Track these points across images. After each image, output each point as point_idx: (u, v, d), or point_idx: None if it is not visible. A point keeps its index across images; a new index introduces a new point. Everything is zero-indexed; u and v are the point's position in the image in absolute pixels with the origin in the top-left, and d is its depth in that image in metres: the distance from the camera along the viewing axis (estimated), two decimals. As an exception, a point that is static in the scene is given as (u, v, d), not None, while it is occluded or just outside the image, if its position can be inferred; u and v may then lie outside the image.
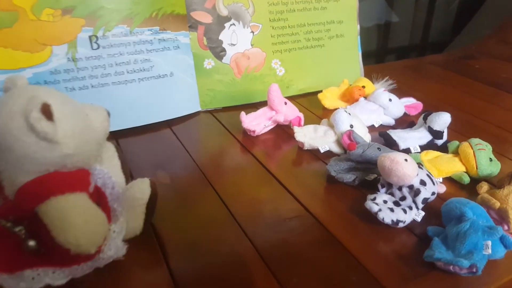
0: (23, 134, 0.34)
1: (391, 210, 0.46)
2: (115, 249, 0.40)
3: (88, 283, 0.39)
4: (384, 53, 1.35)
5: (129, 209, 0.43)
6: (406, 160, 0.47)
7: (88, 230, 0.34)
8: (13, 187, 0.35)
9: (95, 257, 0.39)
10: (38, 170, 0.35)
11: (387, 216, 0.45)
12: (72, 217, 0.34)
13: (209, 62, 0.77)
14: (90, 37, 0.66)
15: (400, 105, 0.73)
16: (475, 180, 0.54)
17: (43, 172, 0.35)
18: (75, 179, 0.37)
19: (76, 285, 0.39)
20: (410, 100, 0.75)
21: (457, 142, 0.59)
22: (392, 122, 0.72)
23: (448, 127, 0.64)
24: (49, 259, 0.37)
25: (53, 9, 0.63)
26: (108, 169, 0.46)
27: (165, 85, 0.73)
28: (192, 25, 0.75)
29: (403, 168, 0.46)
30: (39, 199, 0.34)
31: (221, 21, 0.77)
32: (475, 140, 0.58)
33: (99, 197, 0.40)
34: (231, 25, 0.77)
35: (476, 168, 0.55)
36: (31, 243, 0.36)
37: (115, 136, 0.67)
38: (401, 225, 0.46)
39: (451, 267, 0.40)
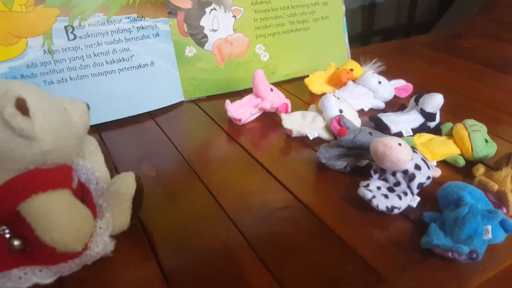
0: None
1: (385, 196, 0.45)
2: (103, 245, 0.39)
3: (76, 281, 0.38)
4: (369, 35, 1.34)
5: (115, 205, 0.42)
6: (400, 144, 0.46)
7: (73, 227, 0.34)
8: None
9: (82, 254, 0.38)
10: (17, 168, 0.34)
11: (381, 203, 0.44)
12: (56, 215, 0.33)
13: (191, 50, 0.74)
14: (65, 27, 0.63)
15: (390, 88, 0.71)
16: (471, 163, 0.54)
17: (22, 170, 0.34)
18: (57, 175, 0.35)
19: (64, 283, 0.38)
20: (400, 82, 0.74)
21: (450, 124, 0.59)
22: (382, 105, 0.71)
23: (440, 109, 0.63)
24: (36, 258, 0.36)
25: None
26: (91, 164, 0.44)
27: (146, 75, 0.70)
28: (172, 11, 0.72)
29: (397, 152, 0.45)
30: (20, 198, 0.33)
31: (201, 6, 0.74)
32: (470, 121, 0.57)
33: (83, 193, 0.39)
34: (212, 9, 0.75)
35: (472, 150, 0.54)
36: (16, 242, 0.35)
37: (97, 130, 0.65)
38: (396, 211, 0.45)
39: (450, 254, 0.39)
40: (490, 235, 0.39)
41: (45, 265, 0.37)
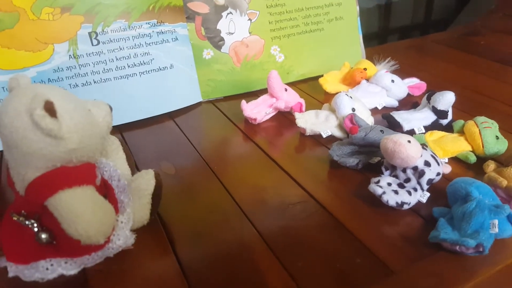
0: (29, 132, 0.35)
1: (396, 192, 0.47)
2: (124, 238, 0.41)
3: (99, 272, 0.40)
4: (386, 33, 1.34)
5: (136, 200, 0.44)
6: (409, 141, 0.47)
7: (97, 221, 0.36)
8: (23, 182, 0.37)
9: (105, 247, 0.40)
10: (45, 166, 0.36)
11: (391, 199, 0.46)
12: (80, 209, 0.35)
13: (208, 52, 0.77)
14: (89, 33, 0.67)
15: (403, 86, 0.72)
16: (482, 159, 0.54)
17: (50, 168, 0.36)
18: (82, 173, 0.38)
19: (88, 274, 0.40)
20: (413, 81, 0.75)
21: (462, 121, 0.59)
22: (396, 103, 0.72)
23: (454, 106, 0.64)
24: (61, 250, 0.39)
25: (52, 8, 0.64)
26: (114, 162, 0.47)
27: (166, 77, 0.73)
28: (190, 16, 0.75)
29: (406, 149, 0.46)
30: (48, 193, 0.35)
31: (218, 11, 0.76)
32: (481, 118, 0.57)
33: (106, 190, 0.42)
34: (228, 13, 0.77)
35: (483, 146, 0.54)
36: (43, 235, 0.38)
37: (120, 130, 0.68)
38: (406, 207, 0.46)
39: (457, 247, 0.40)
40: (496, 229, 0.40)
41: (70, 257, 0.39)
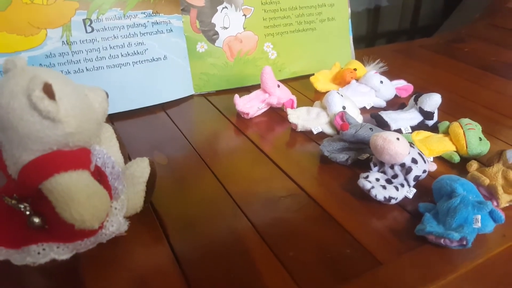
0: (26, 113, 0.34)
1: (383, 187, 0.48)
2: (117, 225, 0.41)
3: (91, 258, 0.40)
4: (374, 37, 1.37)
5: (129, 188, 0.44)
6: (398, 139, 0.49)
7: (91, 205, 0.35)
8: (17, 165, 0.36)
9: (98, 233, 0.40)
10: (41, 149, 0.36)
11: (379, 193, 0.47)
12: (76, 193, 0.35)
13: (202, 46, 0.77)
14: (84, 20, 0.66)
15: (391, 87, 0.74)
16: (465, 159, 0.56)
17: (46, 151, 0.36)
18: (77, 157, 0.37)
19: (80, 259, 0.40)
20: (401, 83, 0.77)
21: (447, 123, 0.61)
22: (384, 104, 0.74)
23: (439, 108, 0.66)
24: (54, 235, 0.38)
25: (46, -8, 0.63)
26: (107, 149, 0.46)
27: (159, 68, 0.73)
28: (185, 8, 0.75)
29: (395, 146, 0.48)
30: (43, 177, 0.35)
31: (213, 4, 0.77)
32: (465, 120, 0.59)
33: (99, 176, 0.41)
34: (223, 8, 0.77)
35: (466, 147, 0.56)
36: (36, 219, 0.37)
37: (111, 119, 0.68)
38: (393, 201, 0.48)
39: (442, 240, 0.42)
40: (479, 224, 0.41)
41: (62, 242, 0.39)
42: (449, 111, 0.70)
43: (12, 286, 0.39)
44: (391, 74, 0.80)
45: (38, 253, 0.38)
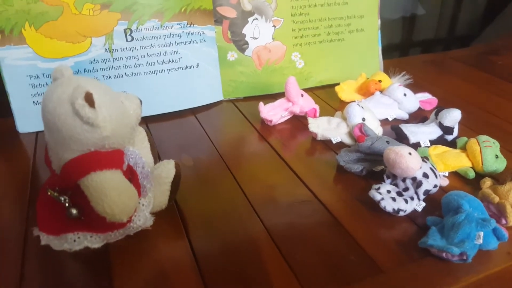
0: (69, 118, 0.38)
1: (393, 199, 0.50)
2: (144, 220, 0.45)
3: (119, 248, 0.45)
4: (408, 46, 1.36)
5: (156, 186, 0.48)
6: (410, 153, 0.51)
7: (121, 201, 0.39)
8: (60, 162, 0.41)
9: (127, 226, 0.44)
10: (81, 149, 0.40)
11: (388, 205, 0.49)
12: (108, 190, 0.39)
13: (232, 55, 0.82)
14: (125, 30, 0.72)
15: (415, 100, 0.75)
16: (481, 176, 0.57)
17: (85, 151, 0.40)
18: (112, 158, 0.41)
19: (110, 248, 0.45)
20: (426, 95, 0.78)
21: (465, 138, 0.62)
22: (406, 116, 0.75)
23: (462, 123, 0.66)
24: (88, 225, 0.43)
25: (93, 4, 0.69)
26: (139, 150, 0.51)
27: (191, 75, 0.78)
28: (218, 20, 0.79)
29: (406, 161, 0.50)
30: (81, 174, 0.39)
31: (245, 16, 0.81)
32: (483, 137, 0.60)
33: (131, 175, 0.45)
34: (254, 19, 0.81)
35: (482, 164, 0.57)
36: (74, 211, 0.41)
37: (145, 121, 0.73)
38: (401, 213, 0.50)
39: (443, 254, 0.43)
40: (481, 240, 0.43)
41: (95, 232, 0.43)
42: (472, 127, 0.71)
43: (51, 268, 0.44)
44: (419, 85, 0.81)
45: (74, 240, 0.43)
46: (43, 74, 0.69)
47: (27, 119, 0.69)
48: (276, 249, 0.46)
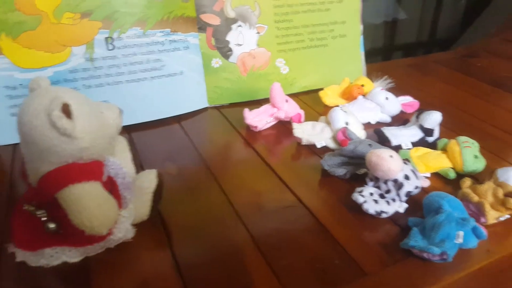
0: (46, 130, 0.38)
1: (376, 201, 0.51)
2: (125, 231, 0.44)
3: (100, 261, 0.44)
4: (391, 50, 1.38)
5: (138, 197, 0.48)
6: (391, 156, 0.51)
7: (101, 213, 0.39)
8: (36, 175, 0.40)
9: (107, 238, 0.43)
10: (58, 161, 0.39)
11: (371, 207, 0.50)
12: (87, 202, 0.39)
13: (217, 61, 0.82)
14: (106, 38, 0.72)
15: (397, 104, 0.76)
16: (461, 176, 0.57)
17: (62, 163, 0.40)
18: (90, 169, 0.41)
19: (90, 262, 0.44)
20: (407, 99, 0.79)
21: (446, 140, 0.63)
22: (389, 119, 0.76)
23: (443, 125, 0.67)
24: (66, 239, 0.42)
25: (72, 13, 0.69)
26: (120, 160, 0.50)
27: (175, 83, 0.78)
28: (201, 27, 0.79)
29: (388, 163, 0.50)
30: (58, 186, 0.39)
31: (228, 23, 0.81)
32: (462, 138, 0.61)
33: (111, 186, 0.45)
34: (238, 26, 0.82)
35: (462, 164, 0.58)
36: (51, 225, 0.41)
37: (129, 130, 0.72)
38: (384, 215, 0.50)
39: (424, 254, 0.44)
40: (461, 240, 0.43)
41: (74, 246, 0.43)
42: (453, 128, 0.72)
43: (27, 286, 0.43)
44: (401, 89, 0.81)
45: (52, 256, 0.42)
46: (20, 85, 0.68)
47: (4, 131, 0.68)
48: (261, 256, 0.46)
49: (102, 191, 0.41)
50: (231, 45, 0.82)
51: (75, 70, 0.71)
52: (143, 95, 0.75)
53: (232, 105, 0.84)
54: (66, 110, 0.38)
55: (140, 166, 0.59)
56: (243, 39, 0.83)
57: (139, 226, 0.47)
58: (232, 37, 0.82)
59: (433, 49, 1.42)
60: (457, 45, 1.28)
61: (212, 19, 0.80)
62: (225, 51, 0.82)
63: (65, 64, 0.70)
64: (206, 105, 0.83)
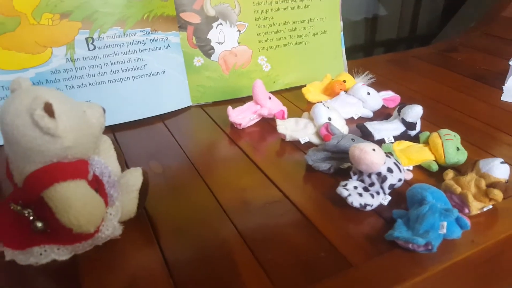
0: (28, 130, 0.38)
1: (360, 195, 0.51)
2: (112, 229, 0.45)
3: (89, 258, 0.44)
4: (372, 46, 1.40)
5: (124, 195, 0.48)
6: (374, 149, 0.52)
7: (87, 211, 0.39)
8: (21, 175, 0.40)
9: (94, 236, 0.43)
10: (43, 161, 0.39)
11: (355, 200, 0.50)
12: (73, 201, 0.38)
13: (199, 60, 0.82)
14: (86, 39, 0.71)
15: (378, 98, 0.77)
16: (444, 168, 0.59)
17: (47, 163, 0.39)
18: (75, 168, 0.41)
19: (78, 260, 0.44)
20: (389, 93, 0.80)
21: (428, 133, 0.64)
22: (371, 114, 0.77)
23: (424, 119, 0.69)
24: (55, 238, 0.42)
25: (51, 14, 0.68)
26: (105, 159, 0.50)
27: (158, 82, 0.78)
28: (182, 26, 0.79)
29: (371, 157, 0.51)
30: (44, 186, 0.38)
31: (209, 21, 0.81)
32: (444, 131, 0.62)
33: (97, 184, 0.45)
34: (218, 24, 0.82)
35: (444, 156, 0.59)
36: (39, 224, 0.41)
37: (112, 130, 0.72)
38: (368, 208, 0.51)
39: (409, 245, 0.44)
40: (445, 230, 0.44)
41: (62, 244, 0.42)
42: (434, 121, 0.73)
43: (17, 285, 0.43)
44: (383, 84, 0.83)
45: (40, 254, 0.42)
46: (2, 86, 0.67)
47: (-14, 133, 0.67)
48: (248, 251, 0.46)
49: (88, 189, 0.41)
50: (212, 44, 0.82)
51: (57, 71, 0.70)
52: (126, 94, 0.75)
53: (216, 103, 0.84)
54: (48, 109, 0.38)
55: (125, 165, 0.59)
56: (224, 37, 0.83)
57: (127, 224, 0.47)
58: (213, 35, 0.82)
59: (414, 45, 1.45)
60: (437, 41, 1.31)
61: (193, 18, 0.80)
62: (206, 50, 0.82)
63: (46, 65, 0.69)
64: (189, 103, 0.82)
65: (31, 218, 0.41)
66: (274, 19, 0.86)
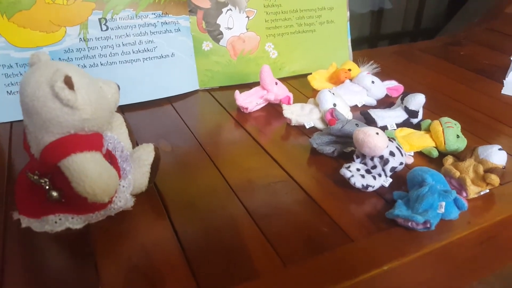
0: (49, 101, 0.39)
1: (362, 176, 0.53)
2: (125, 201, 0.47)
3: (101, 228, 0.46)
4: (377, 38, 1.41)
5: (136, 169, 0.50)
6: (377, 133, 0.54)
7: (102, 181, 0.41)
8: (39, 146, 0.41)
9: (108, 207, 0.46)
10: (61, 132, 0.41)
11: (358, 181, 0.52)
12: (89, 171, 0.40)
13: (207, 44, 0.83)
14: (99, 19, 0.73)
15: (382, 87, 0.79)
16: (444, 154, 0.61)
17: (65, 134, 0.41)
18: (92, 140, 0.43)
19: (91, 229, 0.46)
20: (392, 83, 0.81)
21: (429, 121, 0.66)
22: (374, 102, 0.79)
23: (426, 108, 0.70)
24: (69, 207, 0.44)
25: (67, -7, 0.70)
26: (118, 135, 0.53)
27: (167, 64, 0.79)
28: (192, 10, 0.81)
29: (374, 140, 0.53)
30: (62, 155, 0.40)
31: (219, 6, 0.83)
32: (445, 119, 0.64)
33: (110, 159, 0.47)
34: (228, 10, 0.83)
35: (444, 143, 0.61)
36: (54, 193, 0.43)
37: (122, 109, 0.74)
38: (370, 189, 0.53)
39: (409, 223, 0.47)
40: (443, 210, 0.46)
41: (76, 214, 0.45)
42: (436, 111, 0.75)
43: (33, 251, 0.45)
44: (386, 74, 0.84)
45: (55, 222, 0.44)
46: (16, 64, 0.69)
47: (1, 109, 0.69)
48: (254, 225, 0.48)
49: (103, 160, 0.43)
50: (221, 29, 0.84)
51: (70, 50, 0.72)
52: (136, 76, 0.77)
53: (222, 88, 0.86)
54: (68, 82, 0.39)
55: (135, 143, 0.61)
56: (233, 23, 0.85)
57: (138, 198, 0.50)
58: (222, 21, 0.84)
59: (418, 38, 1.46)
60: (442, 35, 1.32)
61: (203, 2, 0.81)
62: (215, 35, 0.84)
63: (60, 44, 0.71)
64: (197, 87, 0.84)
65: (47, 187, 0.43)
66: (283, 6, 0.88)
